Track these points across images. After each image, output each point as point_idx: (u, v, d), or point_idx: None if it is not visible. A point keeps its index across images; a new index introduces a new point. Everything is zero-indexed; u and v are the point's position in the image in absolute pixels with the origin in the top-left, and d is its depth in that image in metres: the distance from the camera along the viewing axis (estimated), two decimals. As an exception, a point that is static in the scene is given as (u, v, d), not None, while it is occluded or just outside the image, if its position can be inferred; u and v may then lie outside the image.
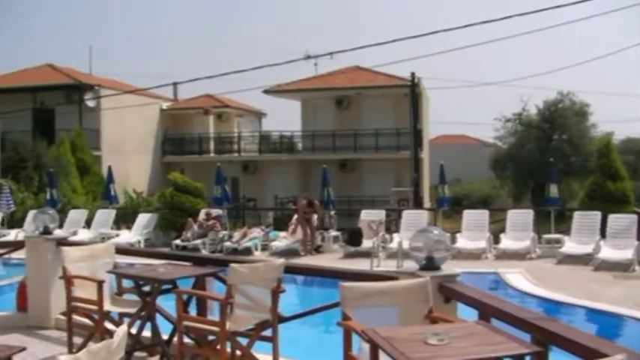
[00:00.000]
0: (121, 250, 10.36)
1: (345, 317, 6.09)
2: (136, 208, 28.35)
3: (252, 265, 8.12)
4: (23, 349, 5.61)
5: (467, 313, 6.70)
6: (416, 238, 7.18)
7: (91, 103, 40.83)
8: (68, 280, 8.89)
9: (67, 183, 32.22)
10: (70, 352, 9.01)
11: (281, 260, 8.15)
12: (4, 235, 25.09)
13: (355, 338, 6.02)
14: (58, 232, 11.53)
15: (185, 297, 8.37)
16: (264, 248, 23.05)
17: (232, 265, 7.78)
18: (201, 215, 24.71)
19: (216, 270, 9.00)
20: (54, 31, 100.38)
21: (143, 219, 25.81)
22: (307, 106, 45.20)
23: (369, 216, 22.47)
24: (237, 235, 23.46)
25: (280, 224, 27.30)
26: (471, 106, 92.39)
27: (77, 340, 9.11)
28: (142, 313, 8.56)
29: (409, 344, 4.83)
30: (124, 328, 4.87)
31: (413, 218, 21.97)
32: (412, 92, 39.06)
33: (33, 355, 8.89)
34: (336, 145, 42.32)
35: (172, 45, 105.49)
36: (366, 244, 20.96)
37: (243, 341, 7.76)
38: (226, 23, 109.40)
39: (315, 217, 22.91)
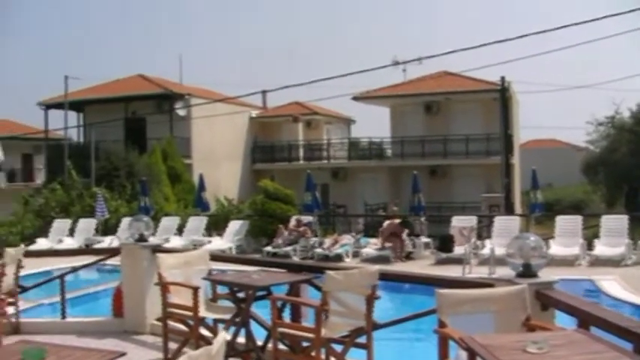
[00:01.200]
0: (214, 257, 10.44)
1: (442, 324, 6.03)
2: (227, 215, 28.62)
3: (348, 272, 8.09)
4: (123, 354, 5.69)
5: (564, 321, 6.58)
6: (512, 245, 7.07)
7: (181, 112, 41.33)
8: (164, 286, 9.00)
9: (158, 191, 32.73)
10: (166, 357, 9.13)
11: (376, 267, 8.10)
12: (99, 242, 25.62)
13: (451, 346, 5.96)
14: (152, 240, 11.69)
15: (279, 303, 8.39)
16: (355, 255, 23.05)
17: (328, 272, 7.77)
18: (292, 222, 24.82)
19: (311, 277, 9.01)
20: (145, 42, 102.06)
21: (234, 226, 26.04)
22: (396, 112, 45.01)
23: (461, 222, 22.29)
24: (327, 241, 23.50)
25: (371, 231, 27.24)
26: (561, 110, 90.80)
27: (172, 346, 9.21)
28: (237, 320, 8.62)
29: (508, 352, 4.76)
30: (223, 334, 4.91)
31: (504, 224, 21.71)
32: (502, 96, 38.58)
33: (128, 359, 9.03)
34: (425, 151, 42.02)
35: (262, 53, 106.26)
36: (458, 250, 20.80)
37: (338, 348, 7.75)
38: (314, 32, 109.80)
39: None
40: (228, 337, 8.44)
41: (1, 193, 45.03)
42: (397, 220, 23.46)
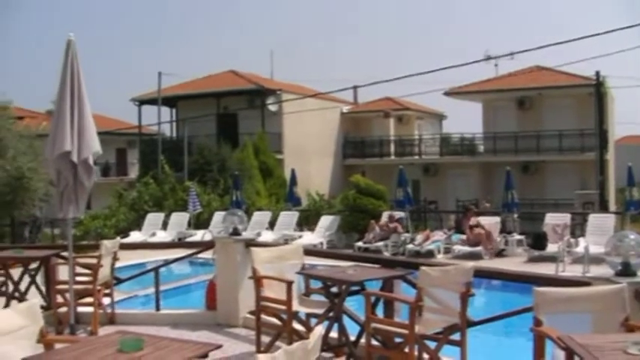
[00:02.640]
0: (308, 252, 10.49)
1: (538, 323, 5.94)
2: (319, 210, 28.67)
3: (443, 268, 8.05)
4: (219, 346, 5.74)
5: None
6: (610, 243, 6.93)
7: (273, 108, 41.59)
8: (258, 280, 9.08)
9: (250, 185, 32.98)
10: (259, 350, 9.21)
11: (471, 264, 8.04)
12: (191, 236, 25.93)
13: (547, 345, 5.87)
14: (245, 234, 11.79)
15: (373, 299, 8.38)
16: (447, 251, 22.88)
17: (423, 268, 7.73)
18: (384, 218, 24.77)
19: (405, 272, 8.99)
20: (236, 38, 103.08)
21: (325, 221, 26.09)
22: (488, 107, 44.45)
23: (554, 219, 21.91)
24: (419, 237, 23.35)
25: (462, 227, 27.00)
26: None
27: (264, 339, 9.29)
28: (330, 314, 8.65)
29: (608, 353, 4.68)
30: (319, 328, 4.91)
31: (599, 222, 21.25)
32: (597, 92, 37.86)
33: (222, 352, 9.13)
34: (518, 146, 41.45)
35: (352, 49, 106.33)
36: (551, 248, 20.46)
37: (431, 345, 7.71)
38: (406, 26, 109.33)
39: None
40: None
41: (96, 186, 45.91)
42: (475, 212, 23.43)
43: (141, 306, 14.13)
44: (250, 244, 11.02)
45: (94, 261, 11.45)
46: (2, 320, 6.01)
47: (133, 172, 48.47)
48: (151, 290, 13.19)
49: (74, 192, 9.56)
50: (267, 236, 24.36)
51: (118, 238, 15.15)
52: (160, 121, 42.16)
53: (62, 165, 9.37)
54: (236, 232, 11.20)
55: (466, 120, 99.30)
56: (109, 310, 11.82)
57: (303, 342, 4.55)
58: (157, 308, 12.14)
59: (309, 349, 4.53)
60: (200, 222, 27.77)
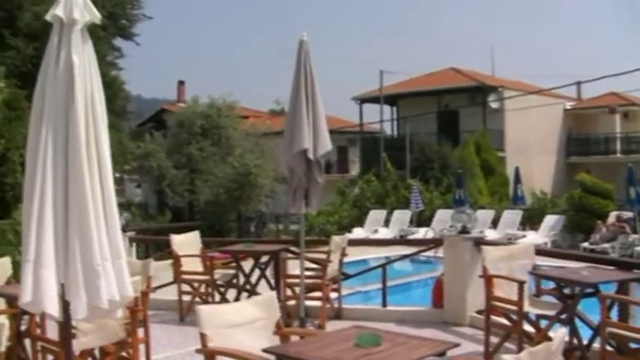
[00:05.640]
0: (539, 252, 10.25)
1: None
2: (543, 210, 28.05)
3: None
4: (457, 345, 5.68)
5: None
6: None
7: (494, 105, 41.07)
8: (488, 279, 8.96)
9: (472, 183, 32.71)
10: (487, 351, 9.09)
11: None
12: (413, 234, 25.96)
13: None
14: (474, 232, 11.68)
15: (608, 302, 8.09)
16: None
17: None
18: (611, 218, 23.95)
19: (642, 275, 8.64)
20: (456, 35, 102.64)
21: (550, 220, 25.50)
22: None
23: None
24: (650, 239, 22.40)
25: None
26: None
27: (492, 340, 9.16)
28: (562, 317, 8.42)
29: None
30: (563, 331, 4.78)
31: None
32: None
33: (450, 351, 9.07)
34: None
35: (574, 43, 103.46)
36: None
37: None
38: (632, 17, 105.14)
39: None
40: (551, 333, 8.26)
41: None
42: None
43: (362, 301, 14.30)
44: (480, 242, 10.91)
45: (322, 256, 11.69)
46: (242, 311, 6.23)
47: (354, 170, 49.09)
48: (373, 286, 13.30)
49: (307, 189, 9.80)
50: (490, 235, 24.02)
51: (347, 234, 15.38)
52: (381, 119, 42.56)
53: (296, 162, 9.61)
54: (465, 231, 11.12)
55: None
56: (336, 305, 12.02)
57: (546, 344, 4.45)
58: (384, 304, 12.22)
59: (552, 351, 4.43)
60: (422, 219, 27.76)
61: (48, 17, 5.09)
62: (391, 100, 44.57)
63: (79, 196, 5.03)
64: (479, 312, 10.29)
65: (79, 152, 5.00)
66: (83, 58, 5.11)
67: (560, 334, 4.64)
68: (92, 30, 5.26)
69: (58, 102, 5.04)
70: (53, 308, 5.01)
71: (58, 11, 5.04)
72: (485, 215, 26.09)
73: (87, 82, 5.10)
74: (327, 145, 9.66)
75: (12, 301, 8.21)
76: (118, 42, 28.44)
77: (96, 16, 5.18)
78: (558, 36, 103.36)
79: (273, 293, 6.80)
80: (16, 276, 9.18)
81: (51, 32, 5.13)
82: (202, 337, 5.70)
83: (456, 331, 10.77)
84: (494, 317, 9.23)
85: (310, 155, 9.49)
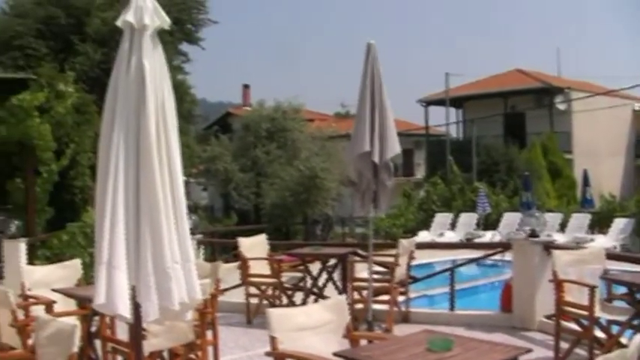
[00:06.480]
0: (610, 256, 10.08)
1: None
2: (611, 213, 27.62)
3: None
4: (529, 350, 5.61)
5: None
6: None
7: (561, 106, 40.64)
8: (558, 283, 8.86)
9: (539, 186, 32.38)
10: (557, 356, 9.01)
11: None
12: (479, 237, 25.75)
13: None
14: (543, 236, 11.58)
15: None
16: None
17: None
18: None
19: None
20: (522, 36, 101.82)
21: (619, 224, 25.06)
22: None
23: None
24: None
25: None
26: None
27: (562, 345, 9.06)
28: (634, 322, 8.29)
29: None
30: (639, 337, 4.69)
31: None
32: None
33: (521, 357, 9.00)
34: None
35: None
36: None
37: None
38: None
39: None
40: (623, 340, 8.15)
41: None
42: None
43: (427, 305, 14.23)
44: (549, 246, 10.80)
45: (390, 259, 11.67)
46: (311, 314, 6.25)
47: (419, 173, 48.94)
48: (438, 290, 13.22)
49: (375, 191, 9.82)
50: (558, 239, 23.74)
51: (415, 237, 15.33)
52: (447, 121, 42.40)
53: (363, 165, 9.64)
54: (534, 234, 11.02)
55: None
56: (403, 309, 12.00)
57: (622, 350, 4.40)
58: (452, 308, 12.17)
59: (628, 357, 4.36)
60: (489, 223, 27.54)
61: (119, 23, 5.17)
62: (457, 102, 44.38)
63: (150, 199, 5.11)
64: (548, 317, 10.18)
65: (150, 156, 5.08)
66: (154, 62, 5.18)
67: (637, 340, 4.56)
68: (159, 35, 5.33)
69: (130, 106, 5.12)
70: (125, 310, 5.10)
71: (128, 17, 5.12)
72: (552, 218, 25.80)
73: (157, 87, 5.17)
74: (395, 148, 9.69)
75: (83, 302, 8.39)
76: (184, 47, 28.66)
77: (166, 21, 5.25)
78: (625, 36, 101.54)
79: (344, 297, 6.82)
80: (85, 278, 9.38)
81: (122, 38, 5.21)
82: (272, 340, 5.73)
83: (525, 335, 10.67)
84: (564, 322, 9.12)
85: (375, 158, 9.50)
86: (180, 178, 5.25)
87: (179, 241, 5.25)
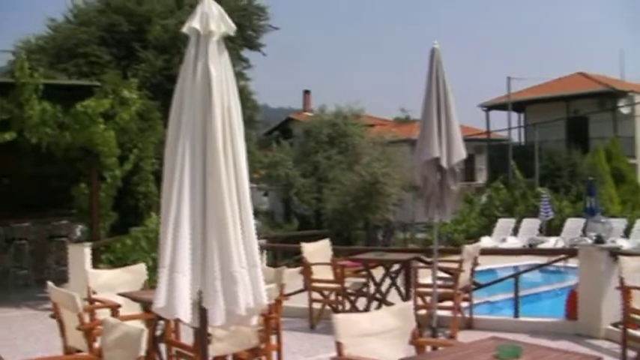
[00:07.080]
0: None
1: None
2: (675, 218, 27.16)
3: None
4: (599, 358, 5.51)
5: None
6: None
7: (625, 110, 40.05)
8: (626, 291, 8.74)
9: (603, 191, 31.94)
10: (623, 365, 8.89)
11: None
12: (542, 243, 25.46)
13: None
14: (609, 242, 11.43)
15: None
16: None
17: None
18: None
19: None
20: (585, 39, 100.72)
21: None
22: None
23: None
24: None
25: None
26: None
27: (629, 354, 8.93)
28: None
29: None
30: None
31: None
32: None
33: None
34: None
35: None
36: None
37: None
38: None
39: None
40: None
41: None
42: None
43: (490, 311, 14.11)
44: (616, 252, 10.65)
45: (454, 265, 11.60)
46: (376, 320, 6.24)
47: (480, 178, 48.59)
48: (501, 296, 13.09)
49: (441, 197, 9.79)
50: (623, 245, 23.38)
51: (479, 243, 15.21)
52: (509, 126, 42.04)
53: (429, 171, 9.61)
54: (600, 240, 10.88)
55: None
56: (467, 315, 11.92)
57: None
58: (516, 315, 12.05)
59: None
60: (551, 228, 27.23)
61: (185, 29, 5.21)
62: (519, 106, 43.96)
63: (217, 204, 5.14)
64: (615, 324, 10.06)
65: (216, 161, 5.11)
66: (220, 69, 5.22)
67: None
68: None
69: (196, 112, 5.16)
70: (185, 314, 5.13)
71: (194, 23, 5.16)
72: (617, 224, 25.42)
73: (224, 93, 5.20)
74: (461, 153, 9.64)
75: (147, 306, 8.48)
76: (245, 53, 28.79)
77: (231, 27, 5.28)
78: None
79: (410, 303, 6.80)
80: (150, 282, 9.47)
81: (188, 44, 5.25)
82: (338, 345, 5.72)
83: (591, 343, 10.53)
84: (631, 330, 8.99)
85: (443, 163, 9.48)
86: (246, 183, 5.28)
87: (245, 246, 5.27)
